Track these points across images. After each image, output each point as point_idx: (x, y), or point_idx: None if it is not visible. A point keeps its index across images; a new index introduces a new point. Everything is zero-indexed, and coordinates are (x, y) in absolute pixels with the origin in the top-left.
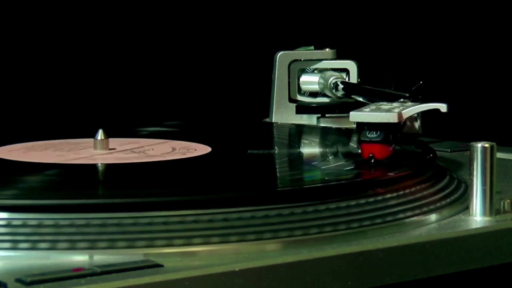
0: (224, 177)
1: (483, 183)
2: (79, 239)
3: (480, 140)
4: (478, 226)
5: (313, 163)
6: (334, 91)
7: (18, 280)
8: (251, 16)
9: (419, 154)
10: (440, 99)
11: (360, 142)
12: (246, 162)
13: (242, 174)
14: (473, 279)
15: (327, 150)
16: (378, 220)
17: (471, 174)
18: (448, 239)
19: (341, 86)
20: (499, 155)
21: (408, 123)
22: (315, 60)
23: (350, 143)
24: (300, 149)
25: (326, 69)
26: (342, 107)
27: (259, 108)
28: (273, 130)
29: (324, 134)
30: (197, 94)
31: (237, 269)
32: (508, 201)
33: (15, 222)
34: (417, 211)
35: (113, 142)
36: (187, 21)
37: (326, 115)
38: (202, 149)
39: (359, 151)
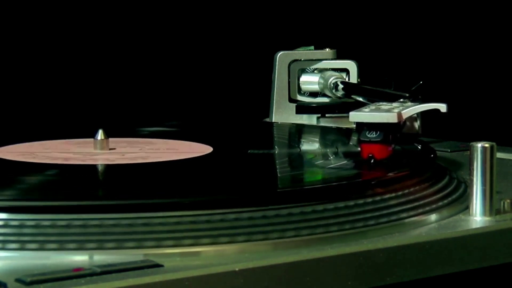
0: (224, 177)
1: (483, 183)
2: (79, 239)
3: (480, 140)
4: (478, 226)
5: (313, 163)
6: (334, 91)
7: (18, 280)
8: (251, 16)
9: (419, 154)
10: (440, 99)
11: (359, 142)
12: (246, 162)
13: (243, 175)
14: (473, 279)
15: (327, 150)
16: (378, 220)
17: (471, 174)
18: (448, 239)
19: (341, 86)
20: (499, 155)
21: (408, 123)
22: (315, 60)
23: (350, 143)
24: (300, 149)
25: (326, 69)
26: (342, 107)
27: (259, 108)
28: (273, 130)
29: (324, 134)
30: (197, 94)
31: (237, 269)
32: (508, 201)
33: (15, 223)
34: (417, 211)
35: (113, 142)
36: (187, 21)
37: (326, 115)
38: (202, 149)
39: (359, 151)
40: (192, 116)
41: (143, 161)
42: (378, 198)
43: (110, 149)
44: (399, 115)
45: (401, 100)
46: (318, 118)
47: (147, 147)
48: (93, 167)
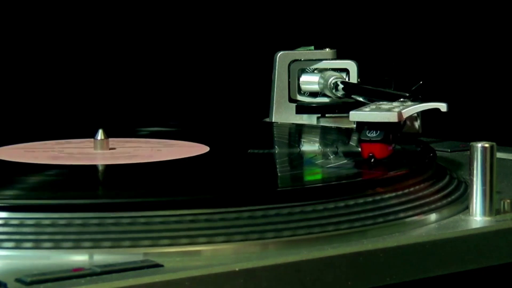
0: (224, 176)
1: (483, 183)
2: (79, 238)
3: (480, 140)
4: (478, 226)
5: (313, 163)
6: (334, 91)
7: (18, 280)
8: (251, 16)
9: (419, 154)
10: (440, 99)
11: (360, 142)
12: (246, 161)
13: (242, 174)
14: (473, 279)
15: (327, 149)
16: (378, 220)
17: (471, 174)
18: (448, 239)
19: (341, 86)
20: (499, 155)
21: (408, 122)
22: (315, 60)
23: (350, 143)
24: (300, 148)
25: (326, 69)
26: (342, 107)
27: (259, 108)
28: (273, 130)
29: (324, 134)
30: (197, 94)
31: (237, 269)
32: (508, 201)
33: (15, 222)
34: (417, 211)
35: (113, 142)
36: (187, 21)
37: (326, 115)
38: (202, 149)
39: (359, 150)
40: (192, 116)
41: (143, 161)
42: (378, 197)
43: (110, 149)
44: (400, 114)
45: (401, 99)
46: (318, 118)
47: (146, 147)
48: (93, 167)
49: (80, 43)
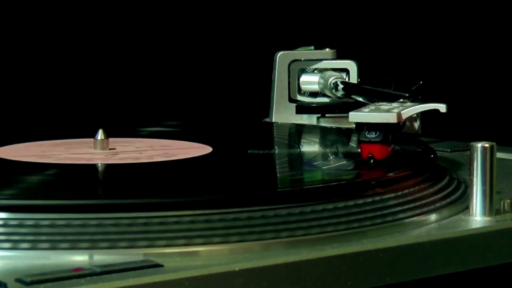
0: (224, 177)
1: (483, 183)
2: (79, 239)
3: (480, 140)
4: (478, 226)
5: (313, 164)
6: (334, 91)
7: (18, 280)
8: (251, 16)
9: (418, 154)
10: (440, 99)
11: (359, 142)
12: (246, 162)
13: (242, 174)
14: (473, 279)
15: (327, 150)
16: (378, 220)
17: (471, 174)
18: (448, 239)
19: (341, 86)
20: (499, 155)
21: (407, 123)
22: (315, 60)
23: (350, 143)
24: (300, 149)
25: (326, 69)
26: (342, 107)
27: (259, 108)
28: (273, 130)
29: (324, 134)
30: (197, 94)
31: (237, 269)
32: (508, 201)
33: (14, 222)
34: (417, 211)
35: (113, 142)
36: (187, 21)
37: (326, 115)
38: (202, 149)
39: (359, 151)
40: (192, 116)
41: (143, 161)
42: (378, 198)
43: (110, 149)
44: (399, 115)
45: (401, 100)
46: (318, 118)
47: (147, 147)
48: (93, 167)
49: (80, 43)
